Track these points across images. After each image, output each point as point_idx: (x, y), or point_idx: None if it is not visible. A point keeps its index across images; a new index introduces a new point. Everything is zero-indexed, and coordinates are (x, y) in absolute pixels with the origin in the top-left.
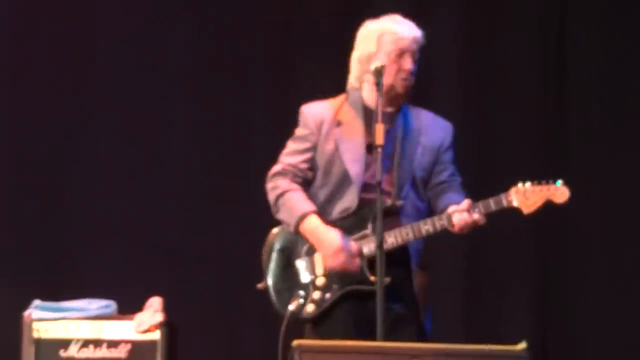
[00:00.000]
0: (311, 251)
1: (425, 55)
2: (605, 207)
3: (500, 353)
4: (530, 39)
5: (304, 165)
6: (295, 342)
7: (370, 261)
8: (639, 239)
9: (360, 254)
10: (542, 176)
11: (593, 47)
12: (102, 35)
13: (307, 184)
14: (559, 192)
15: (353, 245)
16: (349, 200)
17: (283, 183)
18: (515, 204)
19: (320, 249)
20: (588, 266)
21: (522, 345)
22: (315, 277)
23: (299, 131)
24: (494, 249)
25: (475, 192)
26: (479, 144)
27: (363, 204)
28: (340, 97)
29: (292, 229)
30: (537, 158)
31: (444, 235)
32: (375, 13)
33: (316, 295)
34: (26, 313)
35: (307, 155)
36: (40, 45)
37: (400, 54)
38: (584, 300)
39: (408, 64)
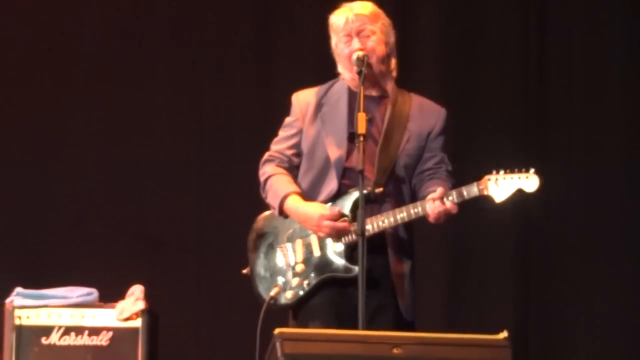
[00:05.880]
0: (293, 237)
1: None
2: (586, 197)
3: (482, 342)
4: (512, 29)
5: (290, 152)
6: (277, 330)
7: (350, 248)
8: (620, 229)
9: (339, 216)
10: (523, 165)
11: (573, 36)
12: (82, 24)
13: (295, 170)
14: (530, 180)
15: (333, 208)
16: (331, 185)
17: (269, 169)
18: (486, 192)
19: (306, 224)
20: (569, 256)
21: (503, 334)
22: (295, 263)
23: (287, 118)
24: (476, 239)
25: (457, 179)
26: (460, 131)
27: (343, 189)
28: (330, 82)
29: (277, 211)
30: (519, 147)
31: (427, 227)
32: None
33: (295, 282)
34: (8, 300)
35: (293, 141)
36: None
37: (347, 40)
38: (566, 289)
39: (355, 44)
